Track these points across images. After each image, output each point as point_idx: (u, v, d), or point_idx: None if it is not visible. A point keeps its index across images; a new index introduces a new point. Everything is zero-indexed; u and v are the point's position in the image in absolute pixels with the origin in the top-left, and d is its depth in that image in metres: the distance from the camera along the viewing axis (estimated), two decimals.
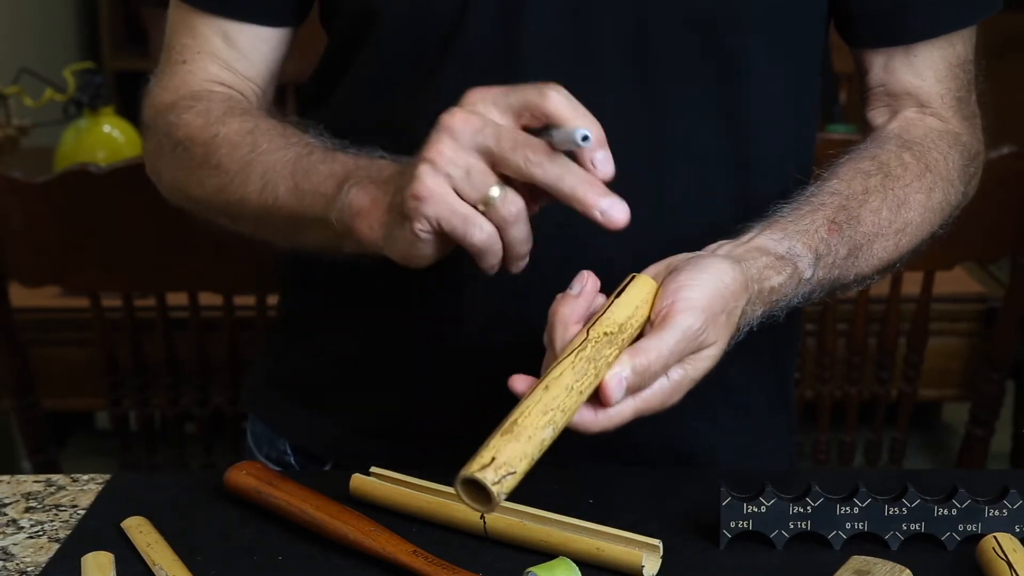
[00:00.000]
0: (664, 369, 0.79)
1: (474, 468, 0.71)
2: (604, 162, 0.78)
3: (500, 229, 0.79)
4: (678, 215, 1.00)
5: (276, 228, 0.97)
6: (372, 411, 1.07)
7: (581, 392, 0.76)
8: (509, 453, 0.72)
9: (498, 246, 0.80)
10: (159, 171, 1.05)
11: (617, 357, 0.78)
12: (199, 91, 1.04)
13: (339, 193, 0.87)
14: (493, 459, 0.71)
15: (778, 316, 0.91)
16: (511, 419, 0.74)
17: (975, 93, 1.09)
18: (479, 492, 0.72)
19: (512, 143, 0.77)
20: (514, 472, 0.72)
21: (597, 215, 0.77)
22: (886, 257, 0.98)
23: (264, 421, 1.15)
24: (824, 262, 0.93)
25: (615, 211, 0.77)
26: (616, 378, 0.77)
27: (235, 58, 1.06)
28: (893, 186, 0.99)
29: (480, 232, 0.78)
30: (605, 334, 0.79)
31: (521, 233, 0.79)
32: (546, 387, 0.76)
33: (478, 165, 0.77)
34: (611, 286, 0.84)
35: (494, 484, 0.71)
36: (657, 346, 0.78)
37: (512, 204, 0.78)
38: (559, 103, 0.77)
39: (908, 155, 1.02)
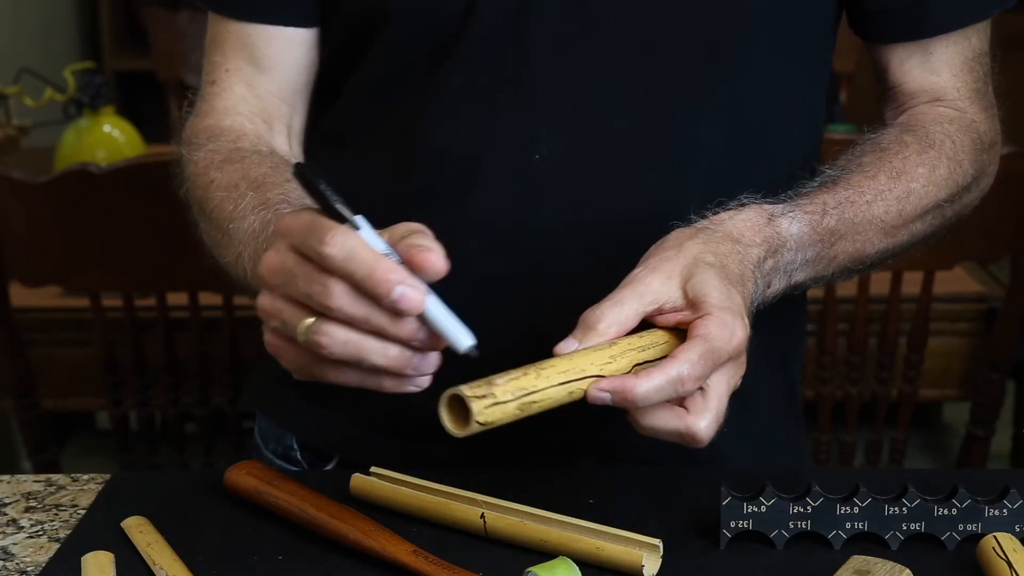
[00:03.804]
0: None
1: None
2: (400, 301, 0.74)
3: (329, 355, 0.76)
4: (684, 215, 1.00)
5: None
6: (379, 408, 1.07)
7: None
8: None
9: (356, 377, 0.78)
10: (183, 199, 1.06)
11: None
12: (218, 126, 1.04)
13: None
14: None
15: (784, 262, 0.92)
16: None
17: (992, 84, 1.09)
18: (461, 413, 0.75)
19: (307, 287, 0.75)
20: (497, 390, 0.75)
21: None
22: (891, 221, 0.98)
23: (270, 417, 1.15)
24: (806, 209, 0.93)
25: (404, 302, 0.74)
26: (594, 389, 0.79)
27: (261, 73, 1.07)
28: (891, 159, 1.00)
29: (330, 372, 0.78)
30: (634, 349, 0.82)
31: (350, 351, 0.76)
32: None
33: (287, 309, 0.77)
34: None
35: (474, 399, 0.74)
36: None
37: (317, 333, 0.76)
38: (334, 264, 0.74)
39: (908, 136, 1.02)
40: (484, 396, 0.74)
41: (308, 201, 0.92)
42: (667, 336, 0.83)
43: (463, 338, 0.77)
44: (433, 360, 0.78)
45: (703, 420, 0.80)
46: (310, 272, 0.75)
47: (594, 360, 0.79)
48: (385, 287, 0.73)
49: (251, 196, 0.94)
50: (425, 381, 0.79)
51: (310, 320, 0.76)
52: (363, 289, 0.74)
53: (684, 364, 0.78)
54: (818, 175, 0.99)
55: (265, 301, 0.78)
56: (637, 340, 0.81)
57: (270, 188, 0.94)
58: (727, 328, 0.80)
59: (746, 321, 0.83)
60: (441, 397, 0.75)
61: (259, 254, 0.88)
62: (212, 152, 1.01)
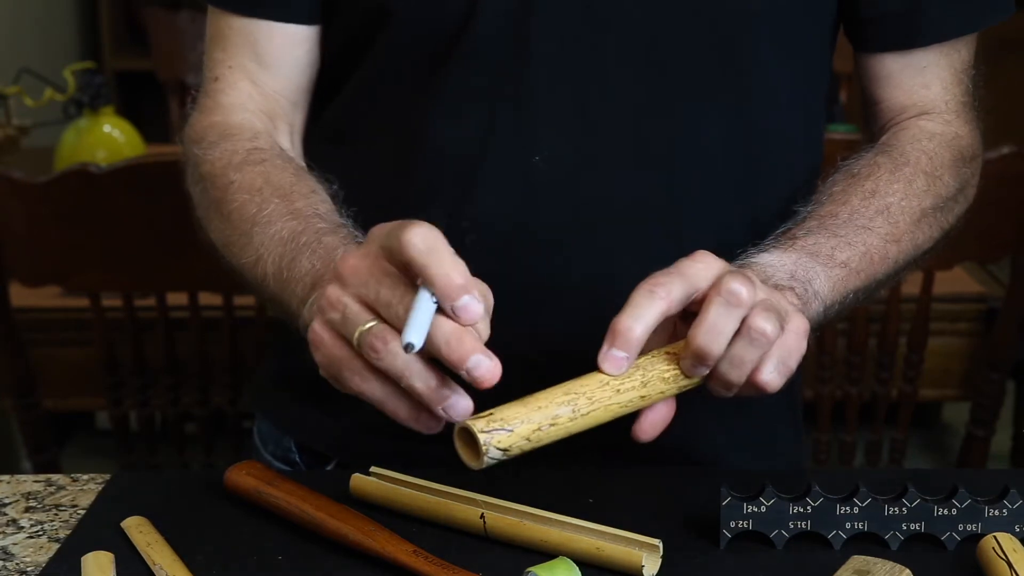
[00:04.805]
0: (656, 305, 0.80)
1: (470, 419, 0.75)
2: (464, 310, 0.74)
3: (376, 363, 0.76)
4: (688, 214, 1.00)
5: (265, 299, 0.98)
6: (378, 410, 1.07)
7: (618, 391, 0.79)
8: (510, 412, 0.75)
9: (380, 392, 0.77)
10: (191, 196, 1.06)
11: (674, 375, 0.81)
12: (227, 123, 1.04)
13: (309, 297, 0.86)
14: (491, 414, 0.75)
15: (786, 272, 0.91)
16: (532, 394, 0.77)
17: (976, 97, 1.09)
18: (474, 446, 0.75)
19: (388, 300, 0.75)
20: (509, 430, 0.74)
21: (463, 373, 0.74)
22: (879, 229, 0.98)
23: (270, 420, 1.15)
24: (774, 243, 0.93)
25: (479, 371, 0.74)
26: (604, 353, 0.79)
27: (265, 70, 1.07)
28: (862, 183, 1.00)
29: (357, 377, 0.77)
30: (667, 352, 0.82)
31: (398, 365, 0.75)
32: (580, 378, 0.79)
33: (353, 307, 0.77)
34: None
35: (482, 432, 0.74)
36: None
37: (376, 337, 0.75)
38: (415, 253, 0.74)
39: (881, 158, 1.03)
40: (486, 423, 0.75)
41: (337, 217, 0.93)
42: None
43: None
44: (463, 407, 0.76)
45: (758, 317, 0.79)
46: (395, 281, 0.75)
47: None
48: (459, 354, 0.73)
49: (276, 203, 0.94)
50: (438, 426, 0.78)
51: (373, 323, 0.75)
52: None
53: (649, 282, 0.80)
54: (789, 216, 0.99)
55: (333, 293, 0.78)
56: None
57: (298, 198, 0.95)
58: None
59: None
60: (454, 437, 0.76)
61: (286, 261, 0.89)
62: (230, 152, 1.01)
